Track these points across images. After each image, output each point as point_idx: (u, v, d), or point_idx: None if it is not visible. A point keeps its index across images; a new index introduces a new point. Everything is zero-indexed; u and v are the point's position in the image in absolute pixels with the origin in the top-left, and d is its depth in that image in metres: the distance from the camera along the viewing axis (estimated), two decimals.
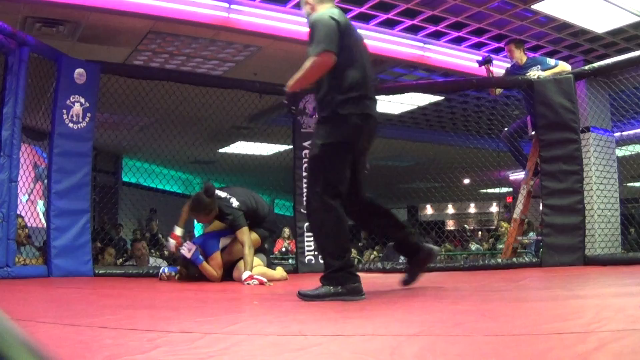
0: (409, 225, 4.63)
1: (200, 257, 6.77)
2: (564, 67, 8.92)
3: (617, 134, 9.71)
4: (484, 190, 24.70)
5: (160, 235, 16.43)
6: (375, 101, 4.95)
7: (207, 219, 7.19)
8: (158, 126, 10.34)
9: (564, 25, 10.44)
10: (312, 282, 6.45)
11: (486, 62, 9.19)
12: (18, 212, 6.97)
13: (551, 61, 9.03)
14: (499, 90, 9.44)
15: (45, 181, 7.66)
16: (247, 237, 6.74)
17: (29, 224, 8.41)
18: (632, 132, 11.92)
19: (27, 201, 8.13)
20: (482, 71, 9.51)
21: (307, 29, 4.72)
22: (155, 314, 3.55)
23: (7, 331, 0.87)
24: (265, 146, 17.02)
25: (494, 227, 20.43)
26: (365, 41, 4.99)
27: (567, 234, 8.17)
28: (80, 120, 7.56)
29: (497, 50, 11.37)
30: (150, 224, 17.39)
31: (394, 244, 5.22)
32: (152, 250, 13.48)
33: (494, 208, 30.08)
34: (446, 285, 6.03)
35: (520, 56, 9.10)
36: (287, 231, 16.73)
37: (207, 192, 6.92)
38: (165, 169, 12.19)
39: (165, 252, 14.10)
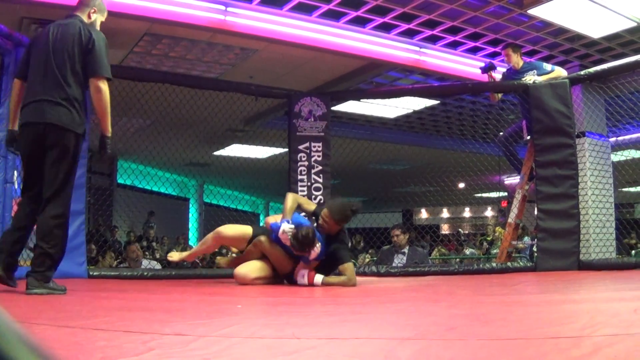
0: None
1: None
2: (560, 72, 8.93)
3: (613, 139, 9.73)
4: (479, 195, 24.74)
5: (154, 243, 16.42)
6: (35, 104, 5.00)
7: (333, 229, 6.70)
8: (153, 128, 10.34)
9: (560, 30, 10.46)
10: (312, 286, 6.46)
11: (489, 68, 9.21)
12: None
13: (547, 66, 9.04)
14: (499, 96, 9.45)
15: None
16: (351, 272, 6.49)
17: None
18: (627, 137, 11.94)
19: None
20: (483, 77, 9.53)
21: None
22: (150, 316, 3.54)
23: (8, 330, 0.87)
24: (261, 149, 17.03)
25: (486, 232, 20.47)
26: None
27: (561, 238, 8.19)
28: None
29: (493, 55, 11.39)
30: (148, 230, 17.37)
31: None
32: (146, 253, 13.47)
33: (489, 212, 30.12)
34: (441, 289, 6.04)
35: (517, 60, 9.11)
36: None
37: (355, 211, 6.75)
38: (160, 171, 12.21)
39: (157, 255, 14.07)
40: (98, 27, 5.47)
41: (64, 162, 4.96)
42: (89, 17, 5.37)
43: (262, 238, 6.70)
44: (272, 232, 6.72)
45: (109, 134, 5.11)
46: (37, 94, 4.99)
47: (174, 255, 7.31)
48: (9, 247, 4.89)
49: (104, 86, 5.03)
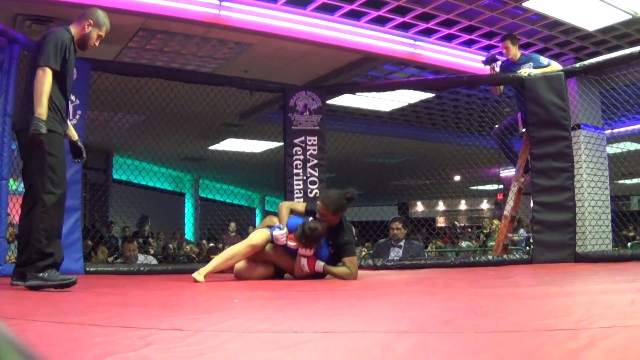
0: None
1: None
2: (556, 67, 8.93)
3: (608, 132, 9.74)
4: (475, 187, 24.76)
5: (150, 239, 16.40)
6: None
7: (332, 221, 6.61)
8: (149, 123, 10.33)
9: (555, 23, 10.45)
10: (310, 281, 6.45)
11: (491, 60, 9.20)
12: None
13: (544, 60, 9.03)
14: (500, 88, 9.44)
15: None
16: (353, 265, 6.49)
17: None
18: (622, 129, 11.96)
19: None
20: (477, 69, 9.52)
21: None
22: (147, 311, 3.55)
23: None
24: (256, 143, 17.02)
25: (483, 225, 20.52)
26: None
27: (557, 231, 8.20)
28: (71, 117, 7.53)
29: (488, 48, 11.38)
30: (142, 228, 17.34)
31: None
32: (142, 248, 13.46)
33: (485, 205, 30.15)
34: (437, 282, 6.04)
35: (516, 52, 9.10)
36: (233, 225, 16.67)
37: (350, 199, 6.63)
38: (155, 166, 12.22)
39: (151, 250, 14.05)
40: (94, 41, 5.60)
41: (28, 159, 5.16)
42: (84, 29, 5.46)
43: (267, 248, 6.64)
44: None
45: (36, 114, 4.97)
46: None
47: (199, 277, 6.91)
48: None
49: (41, 72, 5.02)
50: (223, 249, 9.28)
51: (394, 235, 9.53)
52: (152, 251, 14.38)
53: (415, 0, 9.62)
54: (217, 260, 6.64)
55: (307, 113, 9.18)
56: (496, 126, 9.65)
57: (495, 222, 14.94)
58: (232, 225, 16.54)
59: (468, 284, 5.70)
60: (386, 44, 10.87)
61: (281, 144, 9.49)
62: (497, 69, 9.24)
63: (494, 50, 11.06)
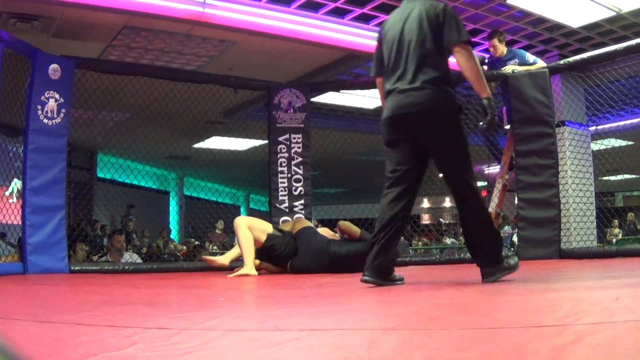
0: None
1: None
2: (541, 66, 8.94)
3: (592, 128, 9.77)
4: None
5: (134, 235, 16.35)
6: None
7: None
8: (133, 121, 10.29)
9: (539, 20, 10.49)
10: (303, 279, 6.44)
11: (481, 63, 9.22)
12: None
13: (530, 57, 9.04)
14: (493, 84, 9.46)
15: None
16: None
17: (7, 221, 8.39)
18: (607, 126, 12.00)
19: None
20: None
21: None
22: (132, 310, 3.53)
23: None
24: (240, 141, 16.99)
25: None
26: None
27: (542, 227, 8.22)
28: (55, 116, 7.51)
29: (473, 45, 11.40)
30: (127, 223, 17.31)
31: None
32: (128, 246, 13.43)
33: None
34: (422, 279, 6.05)
35: (503, 50, 9.11)
36: (221, 223, 16.65)
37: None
38: (140, 164, 12.20)
39: (144, 250, 14.02)
40: None
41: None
42: None
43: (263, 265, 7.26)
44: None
45: (486, 96, 5.14)
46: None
47: (217, 260, 7.20)
48: None
49: (469, 50, 5.10)
50: (208, 247, 9.33)
51: None
52: (143, 250, 14.34)
53: None
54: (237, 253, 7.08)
55: (292, 111, 9.18)
56: (481, 123, 9.67)
57: None
58: (220, 222, 16.53)
59: (453, 280, 5.71)
60: (370, 42, 10.87)
61: (266, 141, 9.50)
62: (486, 68, 9.25)
63: (478, 47, 11.08)
